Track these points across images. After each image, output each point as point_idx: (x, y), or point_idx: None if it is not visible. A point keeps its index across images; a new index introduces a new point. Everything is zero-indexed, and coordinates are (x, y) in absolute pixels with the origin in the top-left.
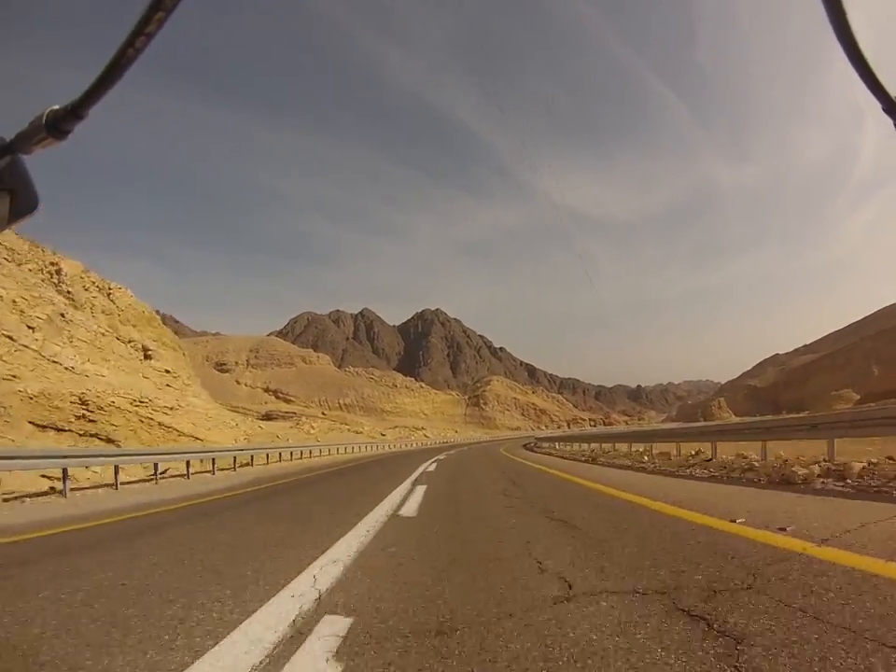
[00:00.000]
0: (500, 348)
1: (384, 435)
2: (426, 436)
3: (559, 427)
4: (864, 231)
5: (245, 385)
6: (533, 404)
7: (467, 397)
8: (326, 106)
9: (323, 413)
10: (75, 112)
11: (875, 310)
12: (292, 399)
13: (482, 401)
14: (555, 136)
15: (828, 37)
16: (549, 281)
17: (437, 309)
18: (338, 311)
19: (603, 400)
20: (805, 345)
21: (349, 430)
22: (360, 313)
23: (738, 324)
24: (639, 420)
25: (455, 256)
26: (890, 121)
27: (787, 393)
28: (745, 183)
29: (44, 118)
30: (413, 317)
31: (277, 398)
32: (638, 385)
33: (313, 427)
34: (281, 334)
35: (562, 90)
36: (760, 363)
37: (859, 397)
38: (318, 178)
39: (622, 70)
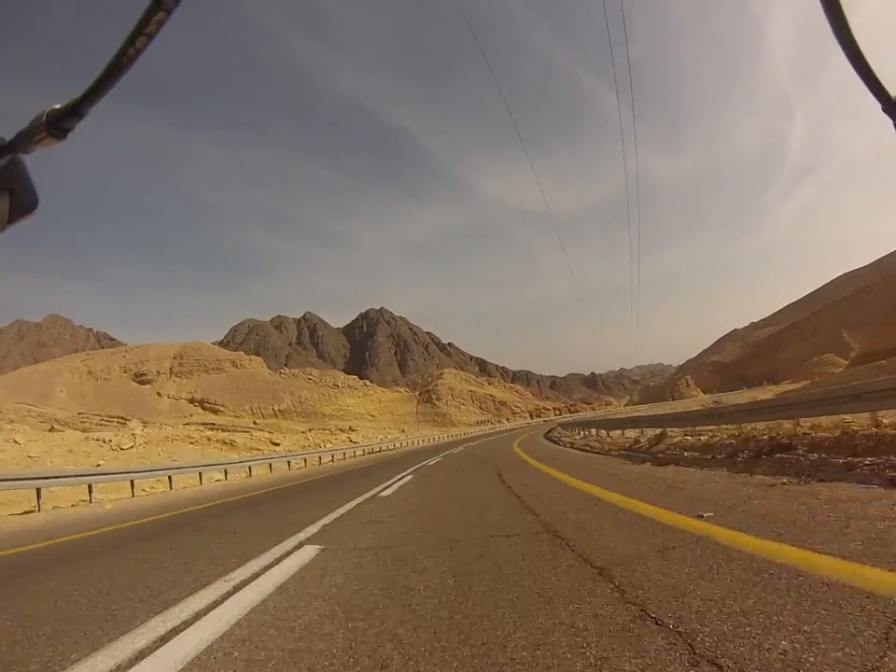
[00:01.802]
0: (449, 343)
1: (277, 445)
2: (351, 440)
3: (537, 419)
4: (797, 214)
5: (168, 396)
6: (491, 396)
7: (417, 393)
8: (261, 116)
9: (255, 423)
10: (75, 111)
11: (829, 280)
12: (221, 408)
13: (434, 397)
14: (493, 135)
15: (755, 29)
16: (492, 277)
17: (381, 308)
18: (280, 316)
19: (559, 390)
20: (763, 319)
21: (216, 440)
22: (303, 317)
23: (681, 309)
24: (606, 405)
25: (398, 257)
26: (890, 122)
27: (755, 366)
28: (682, 174)
29: (44, 117)
30: (357, 318)
31: (204, 408)
32: (593, 373)
33: (135, 437)
34: (222, 343)
35: (499, 89)
36: (719, 340)
37: (847, 361)
38: (256, 189)
39: (557, 69)
